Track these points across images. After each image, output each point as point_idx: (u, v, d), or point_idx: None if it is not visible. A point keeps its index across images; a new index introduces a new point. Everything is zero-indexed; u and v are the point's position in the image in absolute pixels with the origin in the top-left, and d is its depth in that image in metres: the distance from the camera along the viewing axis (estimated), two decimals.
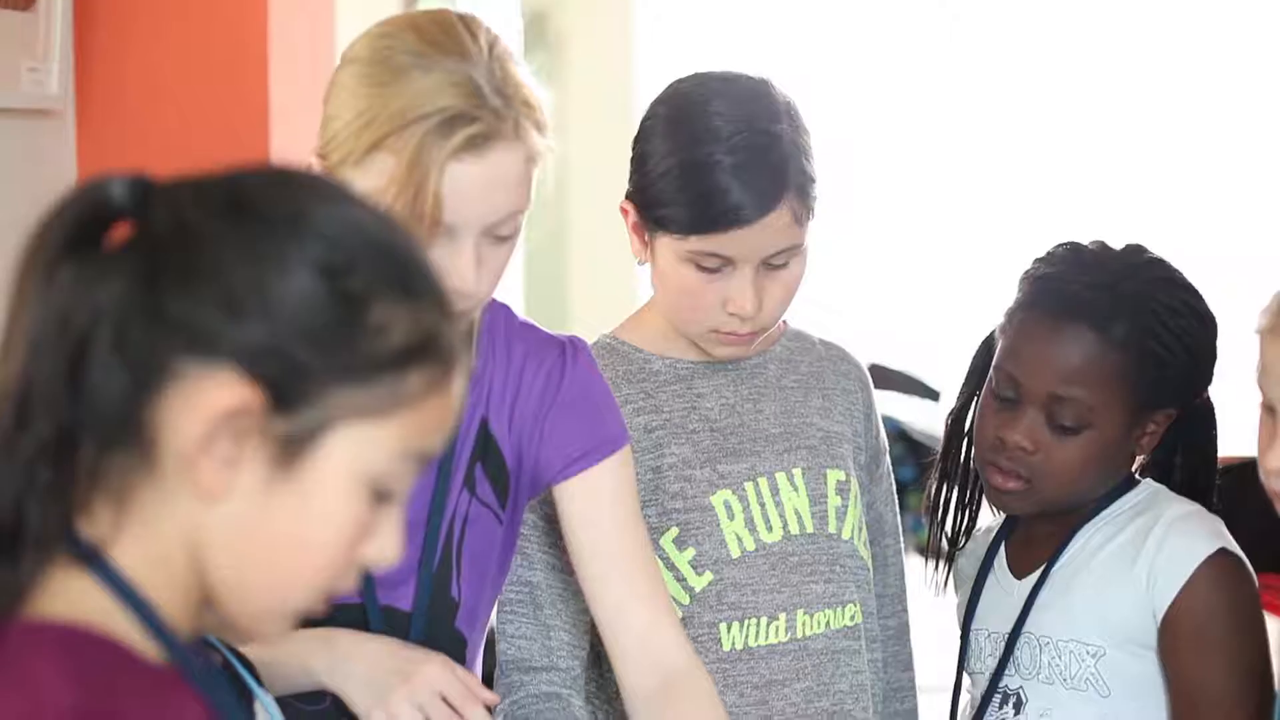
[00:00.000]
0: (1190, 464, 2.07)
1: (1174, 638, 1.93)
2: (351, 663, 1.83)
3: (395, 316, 1.11)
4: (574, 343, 1.97)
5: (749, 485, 2.13)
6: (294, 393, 1.09)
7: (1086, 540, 2.02)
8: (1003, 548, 2.12)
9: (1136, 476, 2.07)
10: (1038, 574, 2.04)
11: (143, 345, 1.07)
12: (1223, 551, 1.94)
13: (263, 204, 1.11)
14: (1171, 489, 2.04)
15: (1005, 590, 2.09)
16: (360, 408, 1.11)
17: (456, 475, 1.90)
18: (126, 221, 1.10)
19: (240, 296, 1.08)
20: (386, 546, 1.16)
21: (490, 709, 1.85)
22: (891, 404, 7.03)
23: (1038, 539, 2.07)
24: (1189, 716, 1.93)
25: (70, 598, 1.08)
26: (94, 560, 1.08)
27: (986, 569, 2.12)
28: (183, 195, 1.10)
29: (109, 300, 1.07)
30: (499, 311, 1.97)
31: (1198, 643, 1.92)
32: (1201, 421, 2.06)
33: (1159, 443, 2.04)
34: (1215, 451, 2.08)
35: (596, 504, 1.91)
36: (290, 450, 1.10)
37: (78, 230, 1.09)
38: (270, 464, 1.10)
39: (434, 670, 1.83)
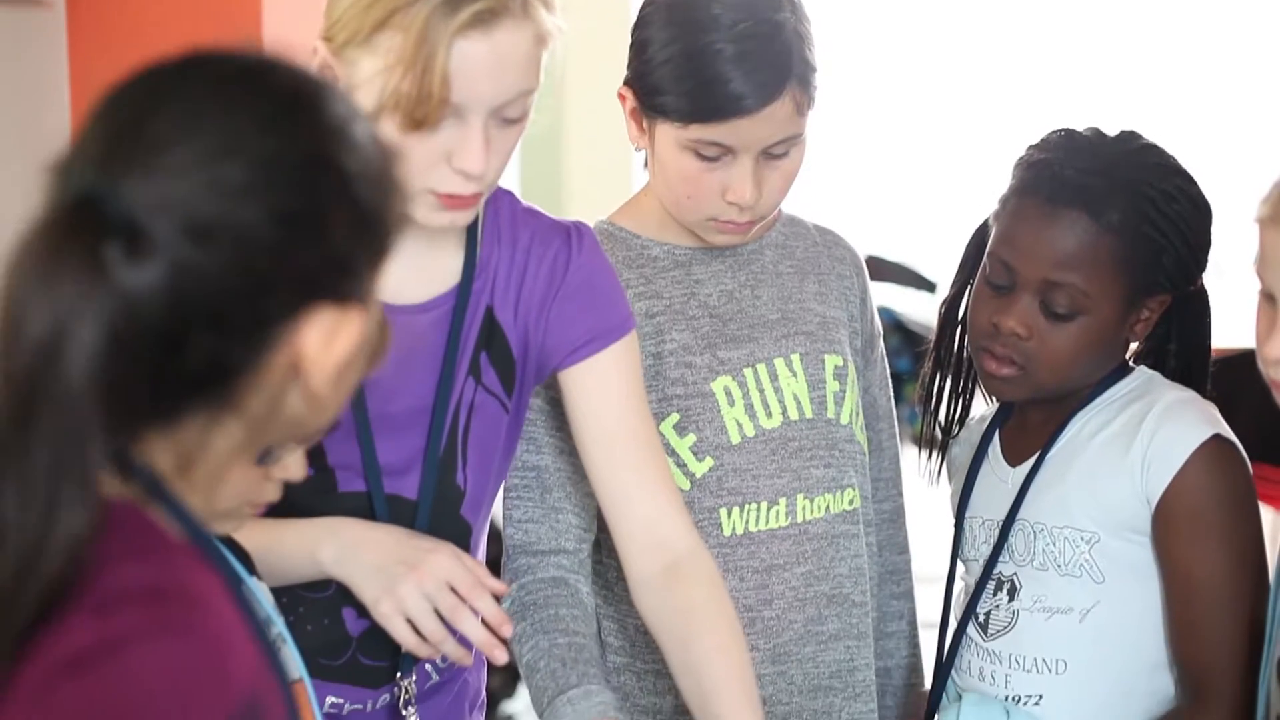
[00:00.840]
0: (1184, 350, 2.07)
1: (1168, 524, 1.94)
2: (359, 551, 1.83)
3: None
4: (578, 228, 1.97)
5: (748, 371, 2.14)
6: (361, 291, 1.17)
7: (1080, 427, 2.02)
8: (997, 435, 2.13)
9: (1130, 364, 2.07)
10: (1032, 461, 2.05)
11: (236, 335, 1.11)
12: (1217, 438, 1.95)
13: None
14: (1166, 376, 2.04)
15: (999, 478, 2.09)
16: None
17: (461, 364, 1.90)
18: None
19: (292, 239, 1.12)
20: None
21: (498, 598, 1.86)
22: (888, 295, 7.03)
23: (1031, 426, 2.08)
24: (1182, 603, 1.94)
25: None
26: (163, 497, 1.10)
27: (980, 457, 2.13)
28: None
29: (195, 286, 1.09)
30: (503, 199, 1.96)
31: (1192, 529, 1.93)
32: (1195, 307, 2.06)
33: (1153, 329, 2.04)
34: (1209, 338, 2.08)
35: (602, 389, 1.92)
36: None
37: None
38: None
39: (442, 559, 1.84)
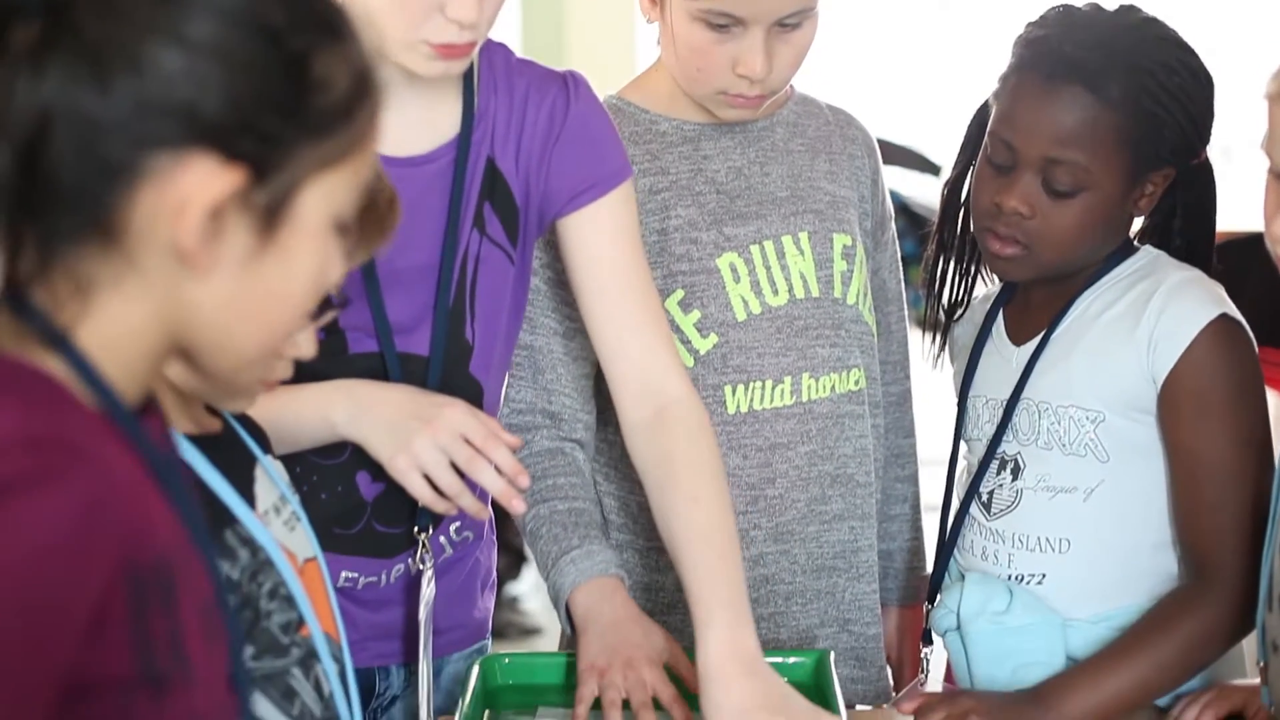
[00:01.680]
0: (1189, 228, 2.05)
1: (1174, 404, 1.94)
2: (372, 410, 1.83)
3: (335, 65, 1.13)
4: (574, 76, 1.96)
5: (755, 248, 2.13)
6: (268, 163, 1.10)
7: (1086, 306, 2.01)
8: (1001, 314, 2.12)
9: (1135, 243, 2.07)
10: (1037, 340, 2.04)
11: (106, 143, 1.07)
12: (1224, 317, 1.93)
13: None
14: (1171, 255, 2.04)
15: (1004, 357, 2.09)
16: (324, 160, 1.13)
17: (466, 216, 1.90)
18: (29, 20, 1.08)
19: (199, 75, 1.08)
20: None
21: (514, 451, 1.87)
22: (893, 179, 7.02)
23: (1036, 305, 2.07)
24: (1187, 483, 1.95)
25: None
26: (61, 343, 1.08)
27: (984, 336, 2.12)
28: None
29: (53, 99, 1.06)
30: (496, 50, 1.96)
31: (1197, 409, 1.93)
32: (1200, 183, 2.04)
33: (1157, 206, 2.03)
34: (1214, 215, 2.05)
35: (600, 237, 1.92)
36: (270, 217, 1.12)
37: None
38: (253, 233, 1.12)
39: (456, 413, 1.84)
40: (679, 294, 2.11)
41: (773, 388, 2.12)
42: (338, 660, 1.50)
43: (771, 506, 2.14)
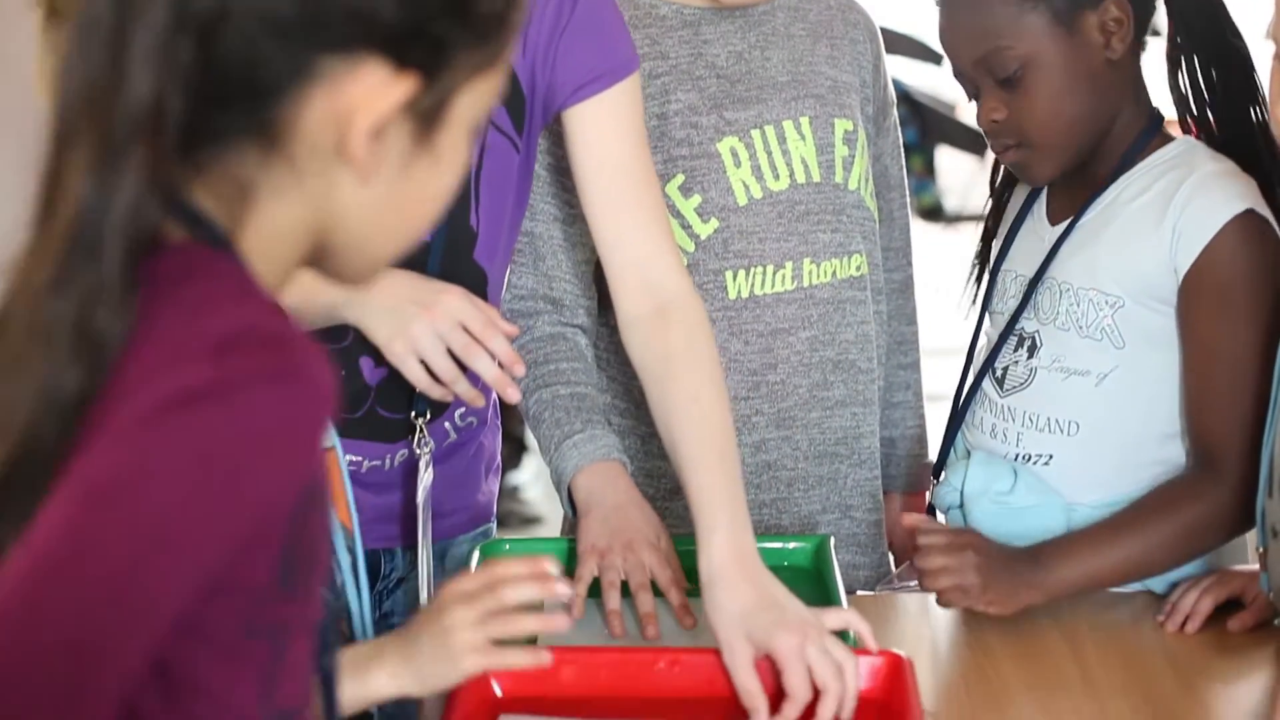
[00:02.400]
0: (1226, 115, 2.01)
1: (1194, 296, 1.92)
2: (372, 295, 1.82)
3: None
4: None
5: (756, 133, 2.12)
6: (436, 69, 1.10)
7: (1119, 192, 2.00)
8: (1044, 193, 2.11)
9: (1171, 133, 2.04)
10: (1068, 221, 2.04)
11: (282, 42, 1.05)
12: (1251, 212, 1.91)
13: None
14: (1213, 146, 2.01)
15: (1038, 235, 2.08)
16: (479, 64, 1.12)
17: None
18: None
19: None
20: None
21: (512, 339, 1.86)
22: (895, 67, 6.96)
23: (1076, 187, 2.05)
24: (1201, 374, 1.94)
25: None
26: (226, 248, 1.08)
27: (1025, 213, 2.11)
28: None
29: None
30: None
31: (1217, 302, 1.91)
32: (1234, 67, 2.01)
33: (1194, 91, 2.00)
34: (1253, 102, 2.00)
35: (605, 129, 1.90)
36: (429, 122, 1.12)
37: None
38: (411, 138, 1.11)
39: (454, 300, 1.84)
40: (679, 179, 2.10)
41: (774, 273, 2.12)
42: (351, 551, 1.50)
43: (773, 392, 2.14)
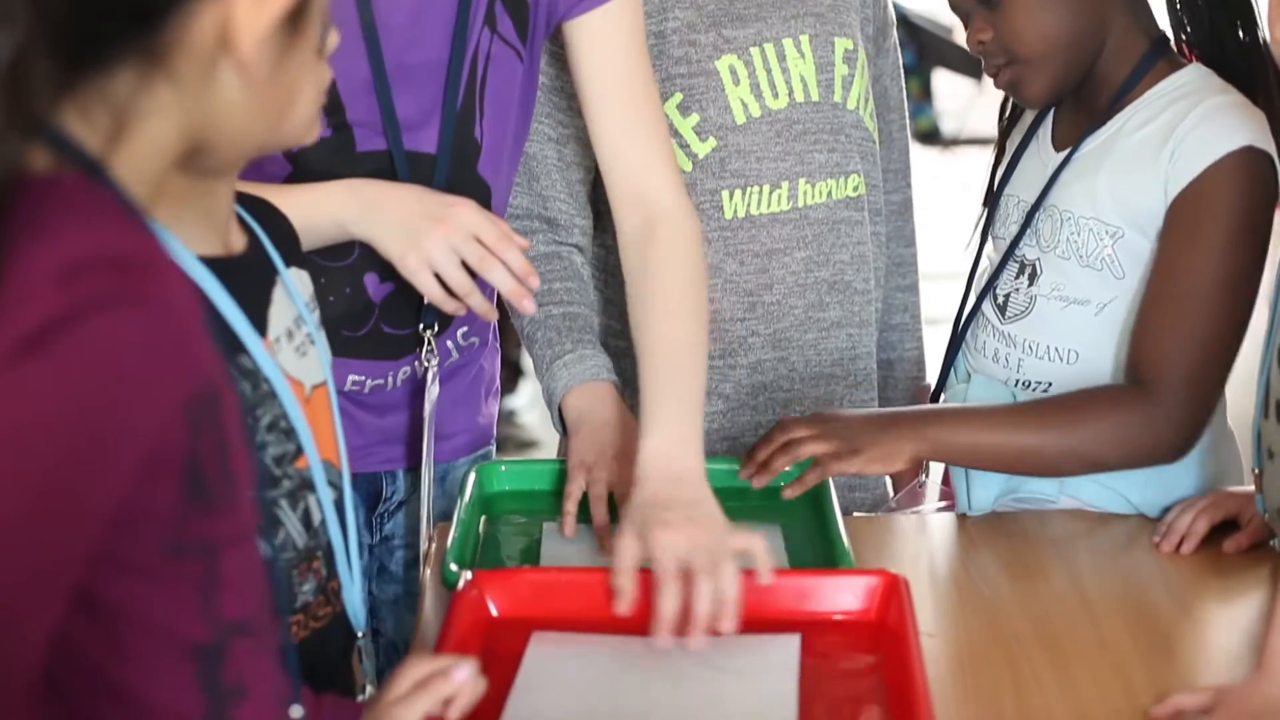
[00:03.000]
0: (1236, 42, 1.99)
1: (1173, 221, 1.90)
2: (382, 209, 1.82)
3: None
4: None
5: (755, 51, 2.10)
6: None
7: (1124, 122, 1.97)
8: (1049, 118, 2.09)
9: (1182, 60, 2.01)
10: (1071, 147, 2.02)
11: None
12: (1250, 149, 1.89)
13: None
14: (1225, 75, 1.98)
15: (1042, 161, 2.06)
16: None
17: (477, 12, 1.87)
18: None
19: None
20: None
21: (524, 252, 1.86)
22: None
23: (1081, 113, 2.03)
24: (1155, 297, 1.91)
25: None
26: (98, 173, 1.07)
27: (1030, 137, 2.10)
28: None
29: None
30: None
31: (1190, 231, 1.89)
32: None
33: (1196, 16, 1.98)
34: (1249, 19, 1.96)
35: (605, 40, 1.88)
36: (300, 13, 1.13)
37: None
38: (286, 31, 1.13)
39: (467, 213, 1.83)
40: (677, 97, 2.08)
41: (769, 193, 2.11)
42: (336, 487, 1.49)
43: (769, 313, 2.13)
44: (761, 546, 1.61)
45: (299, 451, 1.42)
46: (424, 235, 1.81)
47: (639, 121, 1.88)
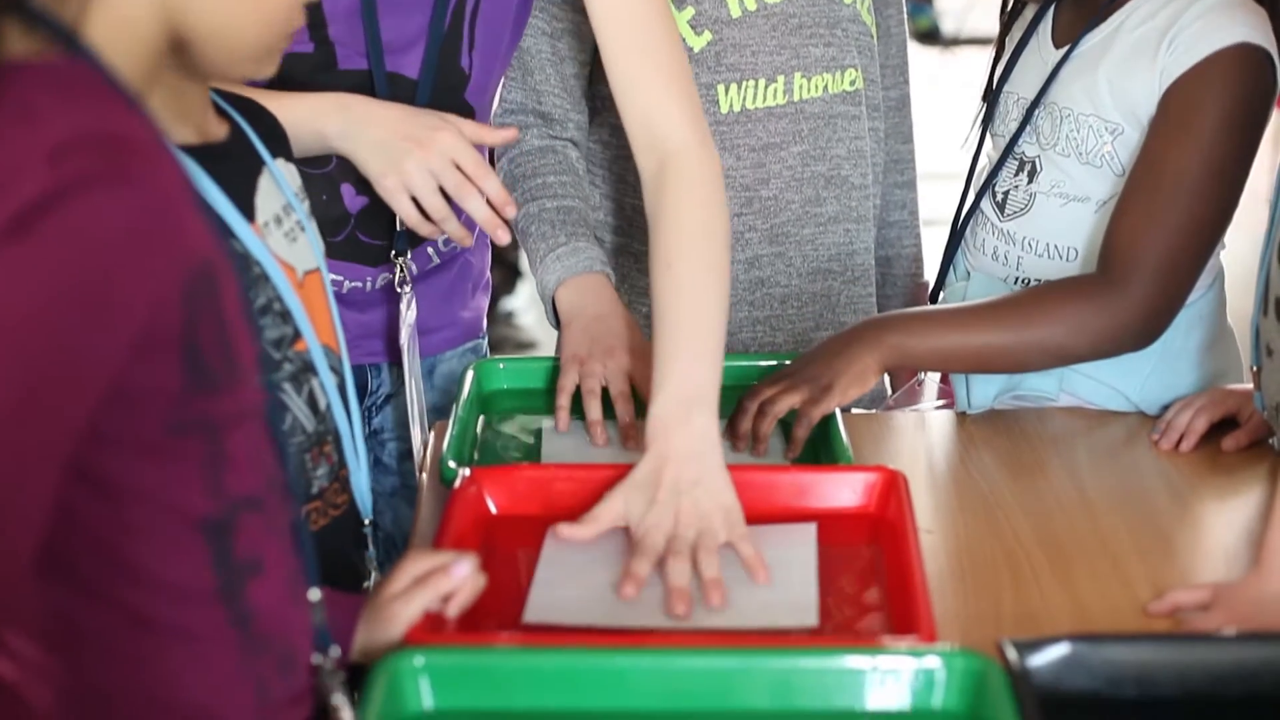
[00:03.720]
0: None
1: (1164, 110, 1.88)
2: (365, 127, 1.80)
3: None
4: None
5: None
6: None
7: (1125, 18, 1.94)
8: (1050, 13, 2.06)
9: None
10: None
11: None
12: (1247, 44, 1.86)
13: None
14: None
15: (1041, 58, 2.04)
16: None
17: None
18: None
19: None
20: None
21: (506, 147, 1.83)
22: None
23: (1082, 8, 2.01)
24: (1136, 185, 1.89)
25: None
26: (71, 43, 1.05)
27: (1030, 34, 2.07)
28: None
29: None
30: None
31: (1179, 122, 1.87)
32: None
33: None
34: None
35: None
36: None
37: None
38: None
39: (448, 137, 1.81)
40: None
41: (765, 87, 2.09)
42: (337, 372, 1.49)
43: (766, 208, 2.12)
44: (749, 549, 1.54)
45: (297, 335, 1.42)
46: (403, 157, 1.79)
47: (649, 54, 1.80)
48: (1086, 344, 1.89)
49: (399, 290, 1.96)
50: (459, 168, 1.80)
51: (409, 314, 1.96)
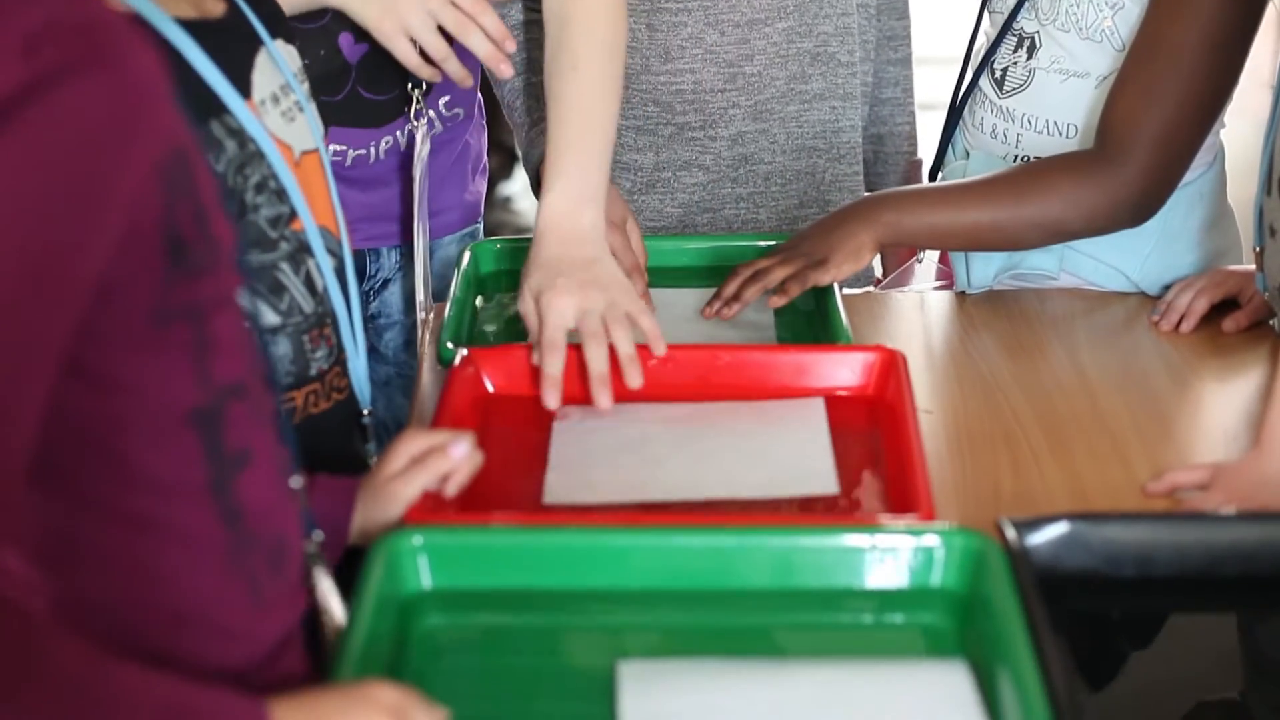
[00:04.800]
0: None
1: None
2: None
3: None
4: None
5: None
6: None
7: None
8: None
9: None
10: None
11: None
12: None
13: None
14: None
15: None
16: None
17: None
18: None
19: None
20: None
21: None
22: None
23: None
24: (1136, 61, 1.86)
25: None
26: None
27: None
28: None
29: None
30: None
31: None
32: None
33: None
34: None
35: None
36: None
37: None
38: None
39: None
40: None
41: None
42: (335, 254, 1.48)
43: (750, 84, 2.10)
44: (649, 322, 1.64)
45: (293, 214, 1.41)
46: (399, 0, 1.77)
47: None
48: (1081, 219, 1.87)
49: (413, 124, 1.95)
50: (457, 5, 1.79)
51: (423, 147, 1.95)
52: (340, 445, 1.53)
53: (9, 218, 0.94)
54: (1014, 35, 2.01)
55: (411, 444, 1.41)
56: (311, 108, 1.49)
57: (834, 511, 1.45)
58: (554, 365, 1.61)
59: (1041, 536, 1.35)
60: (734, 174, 2.12)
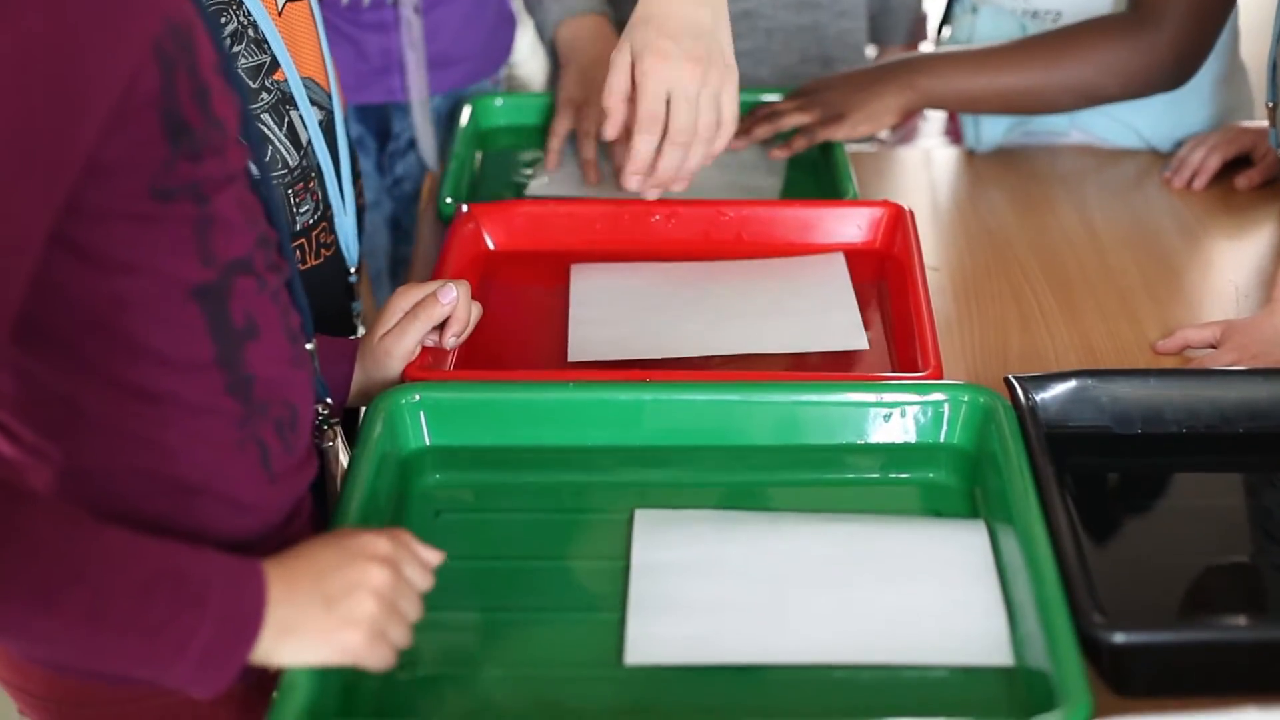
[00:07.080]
0: None
1: None
2: None
3: None
4: None
5: None
6: None
7: None
8: None
9: None
10: None
11: None
12: None
13: None
14: None
15: None
16: None
17: None
18: None
19: None
20: None
21: None
22: None
23: None
24: None
25: None
26: None
27: None
28: None
29: None
30: None
31: None
32: None
33: None
34: None
35: None
36: None
37: None
38: None
39: None
40: None
41: None
42: (323, 107, 1.44)
43: None
44: (725, 137, 1.50)
45: (276, 63, 1.37)
46: None
47: None
48: (1117, 83, 1.84)
49: None
50: None
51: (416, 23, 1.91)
52: (327, 303, 1.50)
53: None
54: None
55: (404, 298, 1.38)
56: None
57: (863, 367, 1.43)
58: (648, 142, 1.48)
59: (1049, 393, 1.34)
60: (736, 29, 2.08)
